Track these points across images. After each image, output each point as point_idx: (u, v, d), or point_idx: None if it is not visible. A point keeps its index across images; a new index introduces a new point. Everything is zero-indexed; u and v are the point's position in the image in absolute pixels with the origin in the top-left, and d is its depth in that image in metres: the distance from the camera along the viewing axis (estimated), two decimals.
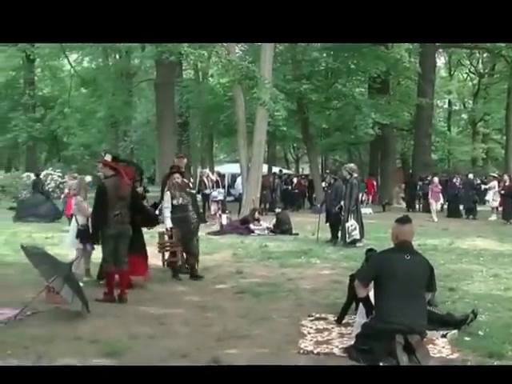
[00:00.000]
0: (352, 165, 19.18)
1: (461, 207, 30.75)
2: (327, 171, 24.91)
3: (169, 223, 12.27)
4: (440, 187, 29.20)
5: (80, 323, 8.52)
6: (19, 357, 6.92)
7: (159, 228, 12.46)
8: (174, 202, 12.32)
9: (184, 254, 12.51)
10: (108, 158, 10.49)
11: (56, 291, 9.08)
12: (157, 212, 12.82)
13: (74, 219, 12.03)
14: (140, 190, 12.07)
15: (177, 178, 12.51)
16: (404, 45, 38.40)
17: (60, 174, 35.90)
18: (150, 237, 13.01)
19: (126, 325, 8.49)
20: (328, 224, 18.81)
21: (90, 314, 8.78)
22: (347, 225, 17.37)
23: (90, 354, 7.06)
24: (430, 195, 29.21)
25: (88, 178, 18.64)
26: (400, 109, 39.35)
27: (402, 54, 34.19)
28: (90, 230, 11.14)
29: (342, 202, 17.69)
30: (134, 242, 10.97)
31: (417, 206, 34.96)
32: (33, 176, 30.73)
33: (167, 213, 12.31)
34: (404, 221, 7.04)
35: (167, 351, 7.25)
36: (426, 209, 31.33)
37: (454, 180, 32.59)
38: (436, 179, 29.70)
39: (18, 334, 7.92)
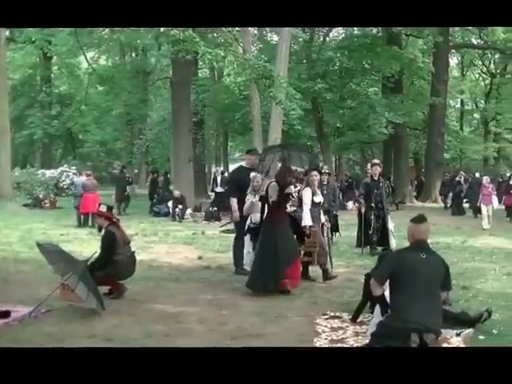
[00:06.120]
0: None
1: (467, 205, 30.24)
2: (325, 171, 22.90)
3: (309, 221, 11.69)
4: (491, 189, 24.24)
5: (95, 321, 8.54)
6: None
7: None
8: (315, 199, 12.04)
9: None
10: None
11: (71, 288, 9.02)
12: None
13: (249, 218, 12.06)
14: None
15: (314, 175, 12.24)
16: (418, 44, 38.69)
17: (75, 171, 36.01)
18: None
19: (141, 323, 8.48)
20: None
21: (104, 312, 8.78)
22: (391, 228, 15.76)
23: None
24: (480, 199, 24.37)
25: None
26: (413, 108, 39.72)
27: (416, 54, 34.40)
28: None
29: (351, 202, 16.85)
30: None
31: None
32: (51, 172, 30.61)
33: (306, 210, 11.76)
34: (420, 220, 7.01)
35: None
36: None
37: (458, 178, 32.56)
38: (485, 179, 25.04)
39: (32, 331, 7.95)
